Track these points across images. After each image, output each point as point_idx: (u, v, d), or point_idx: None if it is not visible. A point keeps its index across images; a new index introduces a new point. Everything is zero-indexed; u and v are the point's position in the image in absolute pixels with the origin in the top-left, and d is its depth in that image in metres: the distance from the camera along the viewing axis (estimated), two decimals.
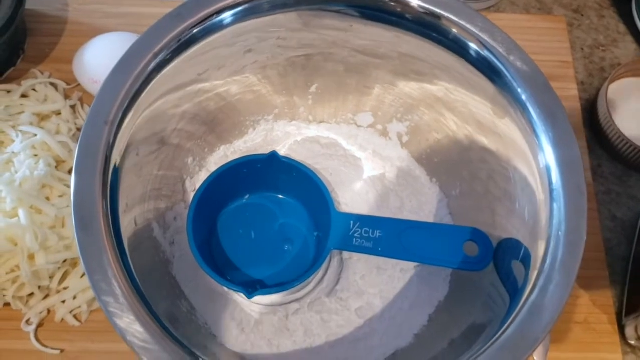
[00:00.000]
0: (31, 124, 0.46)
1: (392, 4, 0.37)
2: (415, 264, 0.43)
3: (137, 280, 0.32)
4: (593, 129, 0.53)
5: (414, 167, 0.46)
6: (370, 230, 0.40)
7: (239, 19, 0.38)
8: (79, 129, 0.48)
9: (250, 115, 0.47)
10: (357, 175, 0.46)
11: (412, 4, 0.36)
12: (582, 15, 0.58)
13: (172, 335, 0.31)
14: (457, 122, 0.42)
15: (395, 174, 0.46)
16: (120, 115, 0.34)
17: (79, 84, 0.50)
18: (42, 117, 0.48)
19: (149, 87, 0.36)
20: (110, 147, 0.33)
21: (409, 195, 0.45)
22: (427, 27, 0.37)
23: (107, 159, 0.33)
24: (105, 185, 0.33)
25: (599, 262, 0.47)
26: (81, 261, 0.31)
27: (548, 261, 0.32)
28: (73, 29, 0.54)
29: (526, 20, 0.57)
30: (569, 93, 0.53)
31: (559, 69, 0.54)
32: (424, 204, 0.45)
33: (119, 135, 0.34)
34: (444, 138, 0.44)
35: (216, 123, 0.45)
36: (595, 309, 0.45)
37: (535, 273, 0.33)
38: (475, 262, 0.39)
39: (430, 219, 0.45)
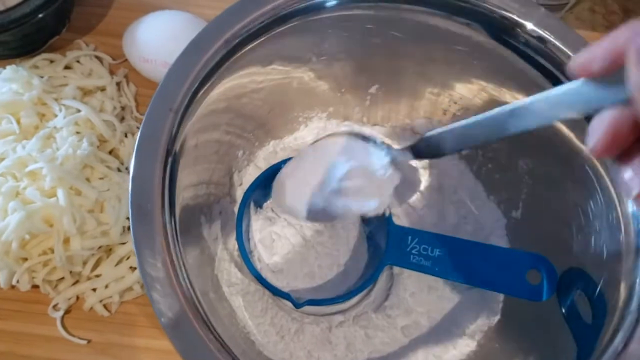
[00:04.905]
0: (74, 98, 0.44)
1: (504, 21, 0.34)
2: (468, 285, 0.41)
3: (186, 275, 0.30)
4: None
5: (472, 182, 0.44)
6: (430, 248, 0.38)
7: (313, 10, 0.36)
8: (123, 108, 0.46)
9: (304, 111, 0.45)
10: (413, 187, 0.43)
11: (527, 27, 0.34)
12: None
13: (218, 339, 0.29)
14: (529, 142, 0.40)
15: (452, 187, 0.44)
16: (185, 102, 0.32)
17: (125, 60, 0.48)
18: (85, 92, 0.46)
19: (215, 76, 0.34)
20: (173, 136, 0.31)
21: (464, 211, 0.43)
22: (526, 46, 0.35)
23: (169, 148, 0.31)
24: (164, 174, 0.31)
25: None
26: (135, 250, 0.29)
27: (632, 307, 0.30)
28: (122, 1, 0.51)
29: (592, 38, 0.54)
30: None
31: None
32: (479, 222, 0.43)
33: (182, 124, 0.32)
34: (508, 154, 0.42)
35: (270, 117, 0.43)
36: None
37: (617, 318, 0.31)
38: (536, 292, 0.37)
39: (486, 239, 0.42)
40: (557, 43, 0.34)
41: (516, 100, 0.39)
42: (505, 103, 0.39)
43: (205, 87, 0.33)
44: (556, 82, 0.35)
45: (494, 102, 0.41)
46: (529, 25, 0.34)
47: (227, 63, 0.34)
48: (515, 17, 0.34)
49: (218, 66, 0.34)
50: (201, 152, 0.37)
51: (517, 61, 0.36)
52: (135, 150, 0.30)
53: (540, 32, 0.34)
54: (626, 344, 0.29)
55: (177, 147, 0.32)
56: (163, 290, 0.28)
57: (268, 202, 0.42)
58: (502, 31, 0.35)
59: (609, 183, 0.33)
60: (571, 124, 0.36)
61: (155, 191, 0.30)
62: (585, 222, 0.36)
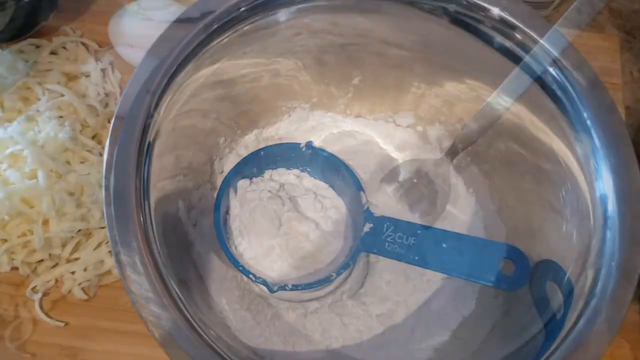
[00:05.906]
0: (58, 83, 0.44)
1: (473, 7, 0.35)
2: (443, 275, 0.41)
3: (161, 260, 0.30)
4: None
5: (452, 174, 0.45)
6: (405, 236, 0.38)
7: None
8: (107, 94, 0.46)
9: (287, 101, 0.45)
10: (392, 177, 0.44)
11: (493, 12, 0.35)
12: (635, 38, 0.56)
13: (189, 321, 0.29)
14: (506, 134, 0.40)
15: (432, 179, 0.44)
16: (163, 85, 0.32)
17: (111, 47, 0.48)
18: (70, 78, 0.46)
19: (194, 60, 0.34)
20: (150, 118, 0.32)
21: (443, 203, 0.43)
22: (496, 31, 0.35)
23: (145, 130, 0.31)
24: (140, 157, 0.31)
25: None
26: (108, 233, 0.29)
27: (597, 291, 0.30)
28: None
29: (577, 36, 0.54)
30: None
31: None
32: (458, 215, 0.43)
33: (159, 106, 0.32)
34: (488, 149, 0.42)
35: (252, 105, 0.43)
36: None
37: (581, 303, 0.31)
38: (510, 282, 0.37)
39: (463, 231, 0.43)
40: (524, 28, 0.35)
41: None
42: (484, 94, 0.40)
43: (184, 71, 0.34)
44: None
45: (472, 92, 0.41)
46: (495, 10, 0.35)
47: (207, 48, 0.35)
48: (481, 2, 0.35)
49: (197, 50, 0.34)
50: (180, 137, 0.37)
51: (490, 51, 0.36)
52: (110, 131, 0.30)
53: (507, 16, 0.35)
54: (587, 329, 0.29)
55: (154, 130, 0.32)
56: (136, 272, 0.29)
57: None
58: (470, 18, 0.36)
59: (580, 171, 0.34)
60: (545, 117, 0.36)
61: (130, 174, 0.30)
62: (558, 212, 0.36)
